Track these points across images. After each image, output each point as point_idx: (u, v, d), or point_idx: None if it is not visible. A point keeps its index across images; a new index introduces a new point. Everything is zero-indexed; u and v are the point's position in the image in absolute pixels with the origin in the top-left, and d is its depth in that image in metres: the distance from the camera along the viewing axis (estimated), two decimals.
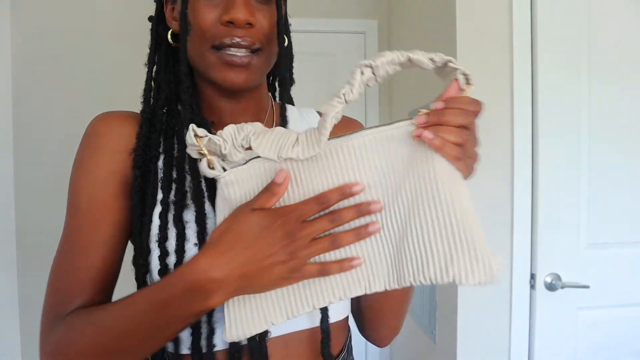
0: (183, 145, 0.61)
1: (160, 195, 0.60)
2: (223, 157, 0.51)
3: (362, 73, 0.49)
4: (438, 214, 0.49)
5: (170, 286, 0.48)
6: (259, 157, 0.51)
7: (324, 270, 0.50)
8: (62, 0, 1.60)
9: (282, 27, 0.61)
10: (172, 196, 0.59)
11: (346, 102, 0.49)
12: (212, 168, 0.51)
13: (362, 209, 0.50)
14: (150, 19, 0.67)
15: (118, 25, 1.43)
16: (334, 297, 0.52)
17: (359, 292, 0.51)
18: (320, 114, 0.53)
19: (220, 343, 0.59)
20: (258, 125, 0.51)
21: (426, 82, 1.83)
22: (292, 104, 0.77)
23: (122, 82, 1.45)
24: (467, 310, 1.48)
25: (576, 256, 1.48)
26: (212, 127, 0.64)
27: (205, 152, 0.50)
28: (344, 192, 0.50)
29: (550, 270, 1.47)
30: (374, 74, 0.49)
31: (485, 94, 1.48)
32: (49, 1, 1.55)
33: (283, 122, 0.67)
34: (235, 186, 0.51)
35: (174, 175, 0.60)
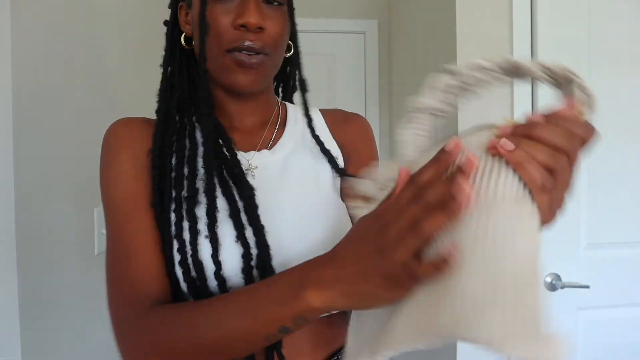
0: (194, 143, 0.65)
1: (174, 193, 0.62)
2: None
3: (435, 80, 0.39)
4: (486, 261, 0.36)
5: (275, 282, 0.47)
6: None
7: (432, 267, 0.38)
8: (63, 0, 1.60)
9: (294, 33, 0.66)
10: (184, 192, 0.61)
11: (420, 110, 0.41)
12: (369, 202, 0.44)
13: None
14: (165, 23, 0.71)
15: (119, 26, 1.43)
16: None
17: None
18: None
19: None
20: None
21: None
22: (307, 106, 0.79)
23: (123, 81, 1.45)
24: None
25: (576, 256, 1.48)
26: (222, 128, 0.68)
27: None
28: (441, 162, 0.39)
29: (550, 270, 1.47)
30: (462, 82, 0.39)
31: (485, 94, 1.48)
32: (49, 1, 1.54)
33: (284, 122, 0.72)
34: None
35: (186, 173, 0.62)
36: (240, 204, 0.60)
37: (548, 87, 0.42)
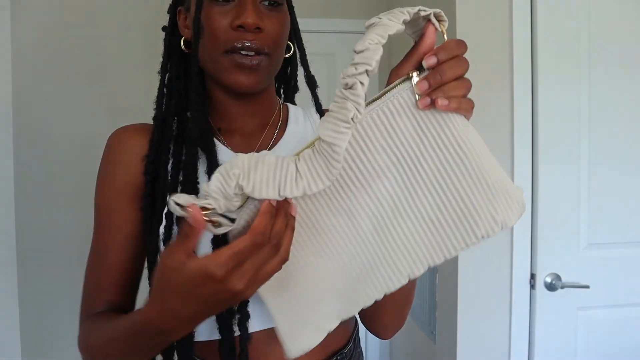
0: (191, 149, 0.64)
1: (168, 197, 0.61)
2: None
3: (362, 84, 0.43)
4: (470, 172, 0.47)
5: (136, 324, 0.51)
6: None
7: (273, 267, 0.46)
8: (63, 0, 1.59)
9: (296, 33, 0.66)
10: None
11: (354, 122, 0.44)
12: (219, 225, 0.45)
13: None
14: (163, 29, 0.71)
15: (119, 26, 1.43)
16: (378, 293, 0.50)
17: (403, 282, 0.49)
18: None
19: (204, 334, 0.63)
20: (243, 158, 0.44)
21: None
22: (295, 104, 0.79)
23: (123, 82, 1.45)
24: (467, 310, 1.48)
25: (576, 256, 1.48)
26: (220, 133, 0.68)
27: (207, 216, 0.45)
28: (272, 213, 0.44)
29: (550, 270, 1.47)
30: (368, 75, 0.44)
31: (485, 94, 1.48)
32: (49, 1, 1.54)
33: (286, 123, 0.72)
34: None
35: (181, 178, 0.63)
36: None
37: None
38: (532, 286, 1.48)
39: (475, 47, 1.48)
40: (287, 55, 0.71)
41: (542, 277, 1.47)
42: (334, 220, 0.49)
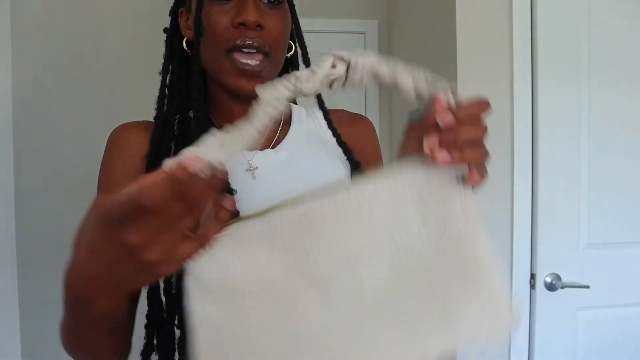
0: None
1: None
2: None
3: (333, 66, 0.40)
4: (468, 276, 0.42)
5: (63, 301, 0.45)
6: (235, 221, 0.41)
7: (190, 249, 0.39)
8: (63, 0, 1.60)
9: (298, 30, 0.65)
10: None
11: (296, 91, 0.40)
12: None
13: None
14: (165, 30, 0.71)
15: (120, 26, 1.43)
16: None
17: None
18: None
19: None
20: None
21: None
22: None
23: (124, 82, 1.45)
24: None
25: (576, 256, 1.48)
26: (225, 131, 0.66)
27: None
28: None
29: (550, 270, 1.47)
30: (347, 73, 0.40)
31: (485, 94, 1.48)
32: (49, 1, 1.54)
33: (288, 122, 0.71)
34: (206, 270, 0.40)
35: None
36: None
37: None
38: (532, 286, 1.48)
39: (475, 49, 1.48)
40: (289, 54, 0.71)
41: (542, 277, 1.47)
42: (308, 294, 0.41)
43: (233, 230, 0.41)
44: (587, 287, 1.44)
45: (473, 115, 0.43)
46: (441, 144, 0.41)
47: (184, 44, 0.68)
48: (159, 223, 0.35)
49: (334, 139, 0.71)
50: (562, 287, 1.45)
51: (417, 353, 0.42)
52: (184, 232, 0.38)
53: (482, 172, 0.43)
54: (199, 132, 0.61)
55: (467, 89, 1.47)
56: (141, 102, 1.51)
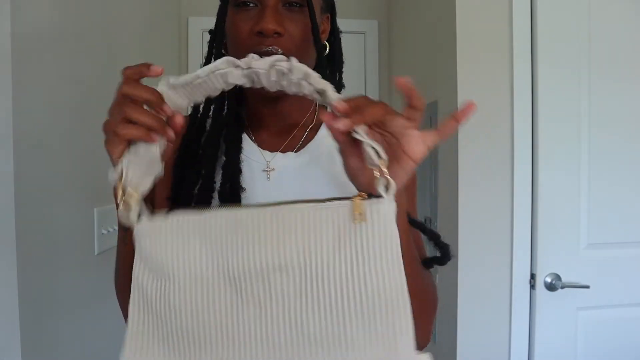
0: (214, 140, 0.68)
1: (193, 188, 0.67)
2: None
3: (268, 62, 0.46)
4: (365, 312, 0.45)
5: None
6: (180, 212, 0.48)
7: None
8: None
9: (316, 36, 0.66)
10: (196, 189, 0.65)
11: (248, 64, 0.46)
12: (128, 211, 0.47)
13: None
14: (210, 31, 0.73)
15: (120, 23, 1.43)
16: None
17: None
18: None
19: None
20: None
21: (427, 79, 1.83)
22: None
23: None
24: (467, 310, 1.48)
25: (576, 256, 1.48)
26: (250, 129, 0.72)
27: (120, 193, 0.47)
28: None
29: (550, 270, 1.47)
30: (290, 72, 0.45)
31: (485, 94, 1.48)
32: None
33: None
34: (147, 240, 0.47)
35: (203, 172, 0.66)
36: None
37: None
38: (532, 286, 1.48)
39: (475, 49, 1.48)
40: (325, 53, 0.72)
41: (542, 277, 1.47)
42: (225, 288, 0.47)
43: (174, 219, 0.47)
44: (587, 287, 1.44)
45: (366, 103, 0.47)
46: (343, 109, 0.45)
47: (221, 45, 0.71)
48: (116, 108, 0.48)
49: None
50: (562, 287, 1.45)
51: None
52: (128, 118, 0.47)
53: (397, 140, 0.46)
54: (228, 132, 0.67)
55: (467, 89, 1.47)
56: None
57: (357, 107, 0.45)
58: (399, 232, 0.48)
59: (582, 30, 1.47)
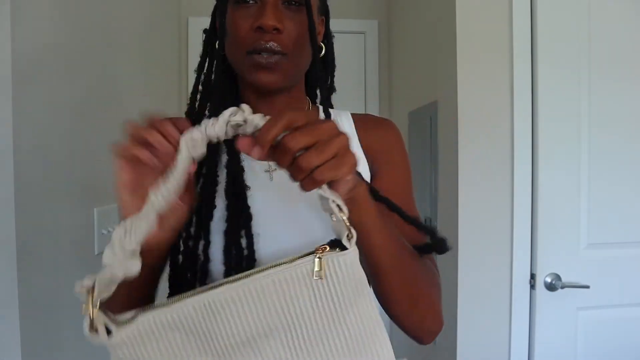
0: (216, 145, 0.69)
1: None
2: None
3: (233, 114, 0.47)
4: (348, 340, 0.48)
5: None
6: (148, 310, 0.47)
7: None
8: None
9: (312, 34, 0.67)
10: (197, 189, 0.65)
11: (207, 134, 0.47)
12: (96, 330, 0.45)
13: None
14: (205, 31, 0.75)
15: (120, 23, 1.43)
16: None
17: None
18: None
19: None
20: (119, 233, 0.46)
21: (427, 79, 1.83)
22: (331, 107, 0.81)
23: (125, 81, 1.45)
24: (467, 310, 1.48)
25: (576, 256, 1.48)
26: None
27: (90, 309, 0.44)
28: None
29: (550, 270, 1.47)
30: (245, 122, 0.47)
31: (485, 93, 1.48)
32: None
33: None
34: (124, 349, 0.46)
35: (204, 171, 0.66)
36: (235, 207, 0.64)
37: None
38: (532, 286, 1.48)
39: (475, 49, 1.48)
40: (321, 54, 0.73)
41: (542, 277, 1.47)
42: None
43: (144, 320, 0.46)
44: (587, 287, 1.44)
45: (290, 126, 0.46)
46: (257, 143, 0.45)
47: (217, 45, 0.71)
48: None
49: (359, 144, 0.73)
50: (562, 287, 1.45)
51: None
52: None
53: (331, 171, 0.45)
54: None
55: (467, 89, 1.47)
56: (145, 100, 1.51)
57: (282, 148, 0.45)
58: (373, 232, 0.53)
59: (582, 30, 1.47)
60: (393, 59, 2.39)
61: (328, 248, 0.48)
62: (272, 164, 0.69)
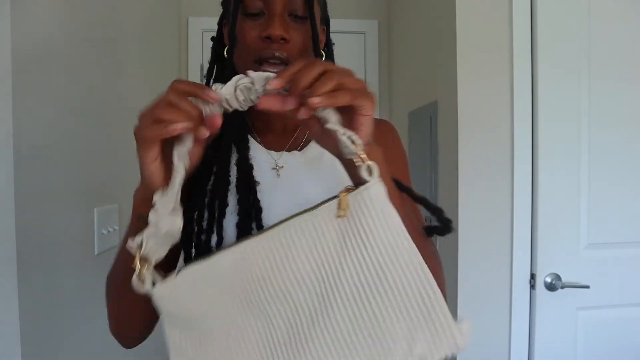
0: (226, 143, 0.70)
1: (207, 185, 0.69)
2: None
3: (238, 78, 0.47)
4: (390, 298, 0.44)
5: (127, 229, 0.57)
6: (187, 266, 0.50)
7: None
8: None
9: (316, 43, 0.69)
10: (209, 186, 0.68)
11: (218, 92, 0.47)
12: (143, 281, 0.49)
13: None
14: (212, 38, 0.79)
15: (120, 23, 1.43)
16: None
17: None
18: None
19: None
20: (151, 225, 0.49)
21: (427, 79, 1.83)
22: None
23: (126, 81, 1.45)
24: (467, 310, 1.48)
25: (576, 256, 1.48)
26: (255, 131, 0.75)
27: (137, 262, 0.48)
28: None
29: (550, 270, 1.47)
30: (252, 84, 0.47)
31: (485, 94, 1.48)
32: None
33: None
34: (168, 300, 0.49)
35: (215, 169, 0.69)
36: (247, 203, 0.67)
37: None
38: (532, 286, 1.48)
39: (475, 49, 1.48)
40: None
41: (542, 277, 1.47)
42: (256, 323, 0.49)
43: (184, 275, 0.49)
44: (587, 287, 1.44)
45: (297, 67, 0.46)
46: (293, 93, 0.46)
47: (225, 52, 0.73)
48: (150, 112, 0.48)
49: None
50: (562, 287, 1.45)
51: None
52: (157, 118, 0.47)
53: (345, 96, 0.45)
54: (235, 134, 0.70)
55: (467, 89, 1.47)
56: (145, 100, 1.50)
57: (296, 79, 0.46)
58: (391, 198, 0.48)
59: (582, 30, 1.47)
60: (393, 59, 2.39)
61: (353, 188, 0.46)
62: (278, 161, 0.72)
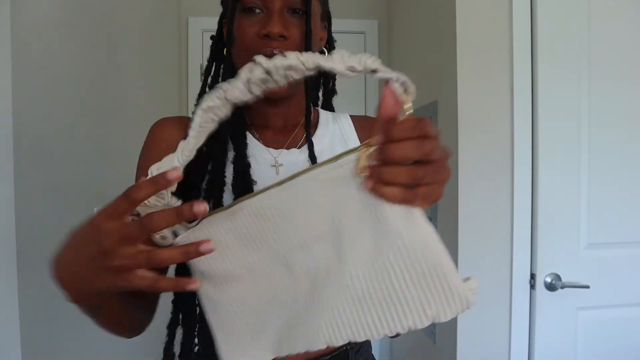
0: (223, 140, 0.69)
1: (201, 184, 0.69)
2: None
3: (250, 71, 0.44)
4: (406, 261, 0.44)
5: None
6: (207, 216, 0.49)
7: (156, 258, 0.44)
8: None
9: (309, 40, 0.69)
10: (204, 185, 0.68)
11: (225, 99, 0.46)
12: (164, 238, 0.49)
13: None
14: (211, 37, 0.78)
15: (120, 23, 1.43)
16: (305, 347, 0.48)
17: (321, 346, 0.48)
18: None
19: None
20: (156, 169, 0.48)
21: (426, 79, 1.83)
22: (332, 110, 0.85)
23: (126, 80, 1.45)
24: (467, 310, 1.48)
25: (576, 256, 1.48)
26: (254, 128, 0.75)
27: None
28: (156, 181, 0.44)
29: (550, 270, 1.47)
30: (269, 75, 0.44)
31: (485, 93, 1.48)
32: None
33: (308, 125, 0.75)
34: None
35: (210, 168, 0.68)
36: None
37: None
38: (532, 286, 1.48)
39: (475, 49, 1.48)
40: None
41: (542, 277, 1.47)
42: (276, 270, 0.50)
43: (207, 227, 0.50)
44: (587, 287, 1.44)
45: (409, 136, 0.41)
46: (385, 174, 0.42)
47: (224, 50, 0.73)
48: (123, 237, 0.43)
49: (358, 142, 0.76)
50: (562, 287, 1.45)
51: (362, 331, 0.46)
52: (140, 250, 0.44)
53: (410, 195, 0.42)
54: (232, 131, 0.69)
55: (467, 89, 1.47)
56: (145, 100, 1.50)
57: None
58: None
59: (582, 30, 1.47)
60: (393, 59, 2.39)
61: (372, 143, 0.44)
62: (278, 159, 0.71)
